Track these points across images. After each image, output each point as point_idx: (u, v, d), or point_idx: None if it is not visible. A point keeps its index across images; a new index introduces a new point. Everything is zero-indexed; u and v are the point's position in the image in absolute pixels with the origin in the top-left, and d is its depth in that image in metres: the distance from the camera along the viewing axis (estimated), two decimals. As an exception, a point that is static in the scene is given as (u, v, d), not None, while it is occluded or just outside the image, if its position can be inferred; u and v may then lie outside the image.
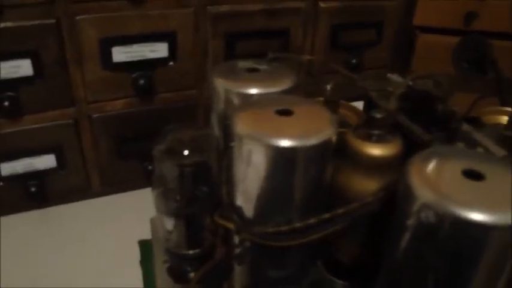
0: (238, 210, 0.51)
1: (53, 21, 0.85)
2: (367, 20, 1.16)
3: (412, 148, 0.48)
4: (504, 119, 0.66)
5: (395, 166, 0.48)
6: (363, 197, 0.49)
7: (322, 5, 1.08)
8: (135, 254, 0.86)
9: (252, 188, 0.48)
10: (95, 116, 0.97)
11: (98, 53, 0.91)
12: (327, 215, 0.47)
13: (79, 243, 0.91)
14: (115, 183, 1.05)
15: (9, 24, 0.82)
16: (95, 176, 1.03)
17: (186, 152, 0.59)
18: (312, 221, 0.47)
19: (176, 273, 0.67)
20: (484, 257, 0.38)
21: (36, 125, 0.92)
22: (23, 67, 0.86)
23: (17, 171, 0.94)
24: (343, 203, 0.48)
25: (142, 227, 0.81)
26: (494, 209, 0.37)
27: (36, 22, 0.84)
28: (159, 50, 0.95)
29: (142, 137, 1.00)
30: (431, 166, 0.42)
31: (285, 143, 0.44)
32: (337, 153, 0.49)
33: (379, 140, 0.50)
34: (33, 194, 0.97)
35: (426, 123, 0.54)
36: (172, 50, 0.96)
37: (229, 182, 0.52)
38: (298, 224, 0.47)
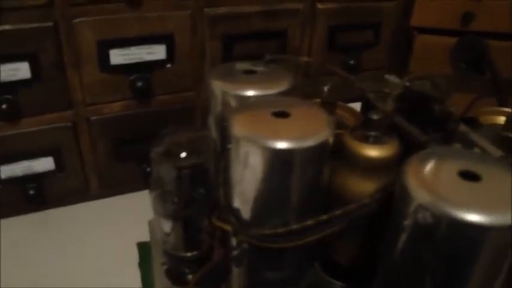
0: (235, 212, 0.51)
1: (50, 24, 0.86)
2: (365, 21, 1.16)
3: (409, 149, 0.48)
4: (501, 119, 0.66)
5: (393, 167, 0.48)
6: (360, 198, 0.49)
7: (319, 6, 1.08)
8: (134, 256, 0.86)
9: (249, 190, 0.48)
10: (93, 118, 0.97)
11: (96, 55, 0.91)
12: (324, 217, 0.47)
13: (78, 245, 0.91)
14: (113, 185, 1.05)
15: (7, 27, 0.82)
16: (93, 179, 1.03)
17: (183, 154, 0.59)
18: (309, 222, 0.47)
19: (174, 275, 0.67)
20: (480, 257, 0.38)
21: (35, 128, 0.92)
22: (21, 70, 0.86)
23: (16, 174, 0.95)
24: (340, 205, 0.48)
25: (140, 229, 0.81)
26: (491, 210, 0.37)
27: (34, 25, 0.85)
28: (157, 52, 0.95)
29: (140, 139, 1.00)
30: (427, 167, 0.42)
31: (281, 145, 0.44)
32: (334, 154, 0.49)
33: (376, 142, 0.50)
34: (31, 196, 0.97)
35: (423, 124, 0.54)
36: (169, 52, 0.97)
37: (227, 184, 0.52)
38: (295, 226, 0.47)
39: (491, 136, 0.54)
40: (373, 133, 0.50)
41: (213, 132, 0.62)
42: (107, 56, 0.92)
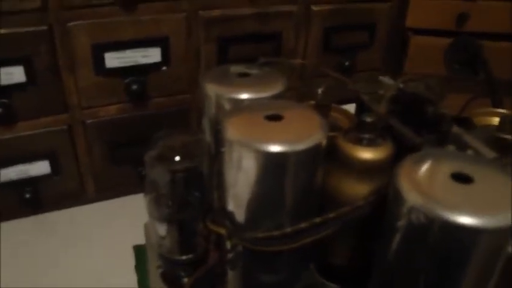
0: (229, 216, 0.51)
1: (45, 27, 0.86)
2: (360, 23, 1.16)
3: (403, 151, 0.48)
4: (495, 120, 0.66)
5: (387, 169, 0.48)
6: (354, 200, 0.49)
7: (314, 8, 1.08)
8: (130, 258, 0.86)
9: (243, 193, 0.48)
10: (88, 121, 0.97)
11: (91, 58, 0.91)
12: (317, 220, 0.47)
13: (74, 248, 0.91)
14: (109, 188, 1.05)
15: (1, 31, 0.82)
16: (89, 182, 1.03)
17: (177, 158, 0.59)
18: (302, 225, 0.47)
19: (170, 278, 0.67)
20: (473, 259, 0.38)
21: (30, 132, 0.92)
22: (16, 74, 0.86)
23: (11, 177, 0.94)
24: (334, 207, 0.48)
25: (137, 231, 0.81)
26: (483, 212, 0.37)
27: (29, 29, 0.85)
28: (152, 55, 0.95)
29: (135, 142, 1.00)
30: (420, 169, 0.42)
31: (274, 148, 0.44)
32: (328, 157, 0.49)
33: (370, 144, 0.50)
34: (27, 200, 0.97)
35: (417, 125, 0.54)
36: (165, 55, 0.97)
37: (221, 187, 0.52)
38: (288, 229, 0.47)
39: (485, 137, 0.54)
40: (366, 135, 0.50)
41: (208, 135, 0.62)
42: (102, 59, 0.92)
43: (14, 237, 0.93)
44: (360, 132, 0.51)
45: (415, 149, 0.49)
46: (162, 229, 0.63)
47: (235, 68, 0.62)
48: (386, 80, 0.65)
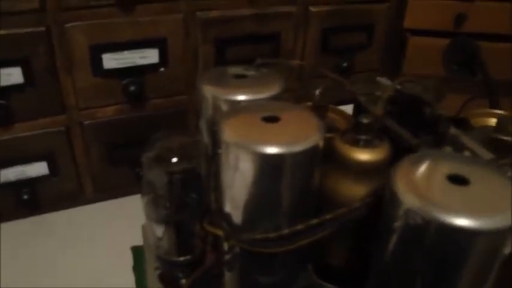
0: (226, 217, 0.51)
1: (43, 29, 0.86)
2: (358, 24, 1.16)
3: (400, 152, 0.48)
4: (493, 121, 0.66)
5: (384, 171, 0.48)
6: (351, 201, 0.49)
7: (312, 9, 1.09)
8: (128, 259, 0.86)
9: (240, 195, 0.48)
10: (86, 122, 0.97)
11: (89, 59, 0.92)
12: (314, 221, 0.47)
13: (72, 249, 0.91)
14: (107, 189, 1.05)
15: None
16: (87, 183, 1.03)
17: (174, 159, 0.59)
18: (299, 227, 0.47)
19: (167, 279, 0.67)
20: (469, 261, 0.38)
21: (28, 133, 0.93)
22: (14, 75, 0.86)
23: (9, 179, 0.94)
24: (331, 208, 0.48)
25: (135, 232, 0.81)
26: (479, 214, 0.37)
27: (27, 30, 0.85)
28: (150, 56, 0.95)
29: (133, 143, 1.00)
30: (416, 171, 0.42)
31: (271, 150, 0.44)
32: (325, 158, 0.49)
33: (367, 145, 0.50)
34: (25, 201, 0.97)
35: (414, 127, 0.54)
36: (162, 56, 0.97)
37: (218, 188, 0.52)
38: (286, 231, 0.47)
39: (482, 138, 0.54)
40: (363, 137, 0.50)
41: (205, 137, 0.62)
42: (100, 61, 0.92)
43: (12, 238, 0.93)
44: (357, 133, 0.51)
45: (412, 150, 0.49)
46: (159, 230, 0.63)
47: (233, 70, 0.62)
48: (383, 81, 0.65)
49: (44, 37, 0.86)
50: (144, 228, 0.77)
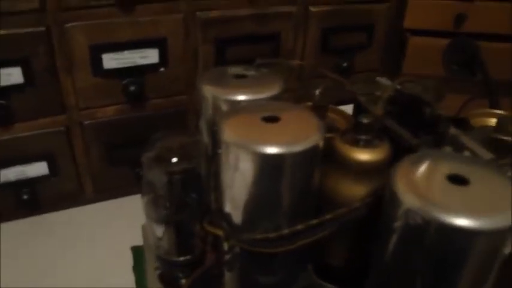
0: (226, 217, 0.51)
1: (43, 29, 0.86)
2: (358, 24, 1.16)
3: (400, 152, 0.48)
4: (493, 121, 0.66)
5: (384, 171, 0.48)
6: (351, 202, 0.49)
7: (312, 9, 1.08)
8: (128, 259, 0.86)
9: (240, 195, 0.48)
10: (86, 122, 0.97)
11: (89, 59, 0.92)
12: (314, 221, 0.47)
13: (72, 249, 0.91)
14: (107, 189, 1.05)
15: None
16: (87, 183, 1.03)
17: (174, 159, 0.59)
18: (299, 227, 0.47)
19: (167, 279, 0.67)
20: (469, 261, 0.38)
21: (28, 133, 0.93)
22: (14, 75, 0.86)
23: (9, 179, 0.94)
24: (331, 208, 0.48)
25: (135, 232, 0.81)
26: (479, 214, 0.37)
27: (27, 30, 0.85)
28: (150, 56, 0.95)
29: (133, 143, 1.00)
30: (416, 171, 0.42)
31: (271, 150, 0.44)
32: (325, 158, 0.49)
33: (367, 145, 0.50)
34: (25, 201, 0.97)
35: (414, 127, 0.54)
36: (162, 56, 0.97)
37: (218, 188, 0.52)
38: (285, 231, 0.47)
39: (482, 138, 0.54)
40: (363, 137, 0.50)
41: (205, 137, 0.62)
42: (100, 60, 0.92)
43: (12, 238, 0.93)
44: (357, 133, 0.51)
45: (412, 150, 0.49)
46: (159, 230, 0.63)
47: (232, 70, 0.62)
48: (383, 81, 0.65)
49: (44, 37, 0.86)
50: (144, 228, 0.77)
